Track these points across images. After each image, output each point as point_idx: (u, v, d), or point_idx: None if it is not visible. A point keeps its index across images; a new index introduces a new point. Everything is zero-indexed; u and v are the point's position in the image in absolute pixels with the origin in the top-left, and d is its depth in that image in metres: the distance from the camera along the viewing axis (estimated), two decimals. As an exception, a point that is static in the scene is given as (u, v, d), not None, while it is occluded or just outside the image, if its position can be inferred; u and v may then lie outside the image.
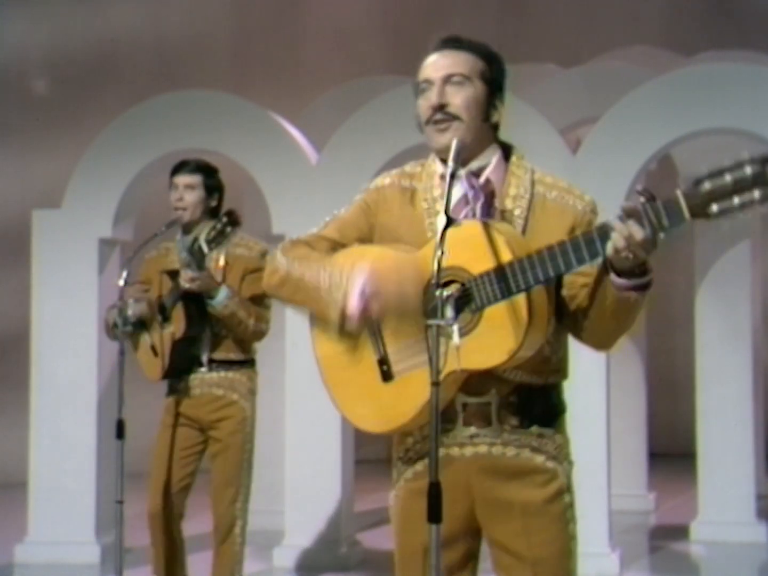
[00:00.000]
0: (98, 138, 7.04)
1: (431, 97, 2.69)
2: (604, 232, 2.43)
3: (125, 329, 4.89)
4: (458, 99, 2.68)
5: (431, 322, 2.42)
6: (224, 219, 4.66)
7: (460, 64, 2.70)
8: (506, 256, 2.52)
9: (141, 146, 6.88)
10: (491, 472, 2.67)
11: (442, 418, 2.62)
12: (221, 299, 4.79)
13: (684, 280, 7.81)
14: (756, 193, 2.24)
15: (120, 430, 4.80)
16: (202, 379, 4.94)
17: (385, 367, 2.66)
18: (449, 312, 2.52)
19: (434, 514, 2.39)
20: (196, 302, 4.82)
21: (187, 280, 4.74)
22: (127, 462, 4.83)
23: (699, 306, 7.25)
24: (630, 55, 9.00)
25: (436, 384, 2.38)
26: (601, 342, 2.71)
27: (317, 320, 2.76)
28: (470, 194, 2.68)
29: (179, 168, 5.03)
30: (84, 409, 6.75)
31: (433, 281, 2.41)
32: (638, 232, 2.36)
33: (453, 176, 2.54)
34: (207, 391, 4.94)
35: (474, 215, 2.66)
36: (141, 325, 4.93)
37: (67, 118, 10.59)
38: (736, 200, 2.26)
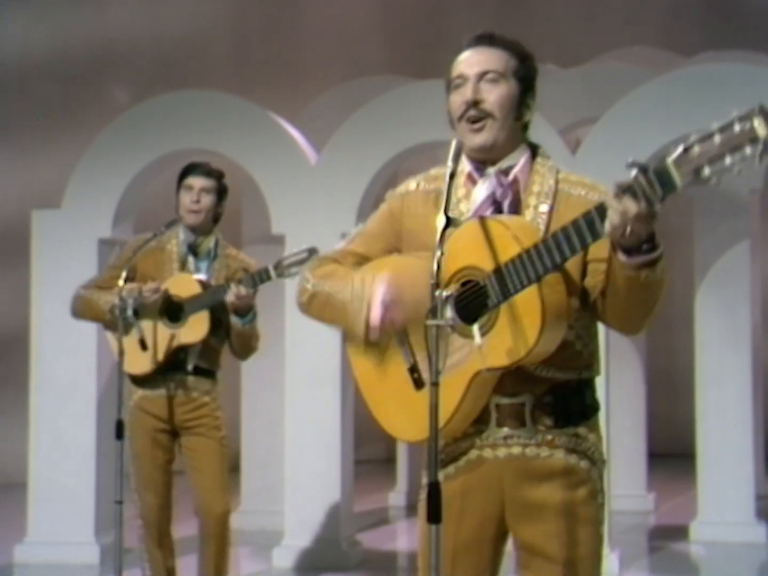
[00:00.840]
0: (98, 138, 7.04)
1: (465, 93, 2.67)
2: (603, 211, 2.41)
3: (125, 315, 4.84)
4: (493, 96, 2.67)
5: (430, 322, 2.41)
6: (305, 254, 4.62)
7: (494, 61, 2.68)
8: (515, 250, 2.51)
9: (141, 146, 6.87)
10: (524, 475, 2.65)
11: (475, 418, 2.63)
12: (249, 319, 4.82)
13: (684, 280, 7.80)
14: (747, 150, 2.21)
15: (119, 431, 4.78)
16: (180, 380, 4.92)
17: (415, 375, 2.65)
18: (449, 312, 2.52)
19: (434, 515, 2.38)
20: (222, 314, 4.82)
21: (237, 296, 4.69)
22: (126, 462, 4.82)
23: (699, 306, 7.25)
24: (629, 56, 9.01)
25: (435, 384, 2.37)
26: (626, 324, 2.66)
27: (347, 333, 2.78)
28: (498, 192, 2.67)
29: (193, 170, 4.97)
30: (83, 409, 6.75)
31: (432, 281, 2.40)
32: (632, 207, 2.34)
33: (452, 176, 2.53)
34: (181, 393, 4.92)
35: (501, 213, 2.65)
36: (135, 314, 4.87)
37: (67, 118, 10.59)
38: (728, 160, 2.23)
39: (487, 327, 2.54)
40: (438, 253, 2.40)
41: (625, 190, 2.36)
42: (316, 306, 2.79)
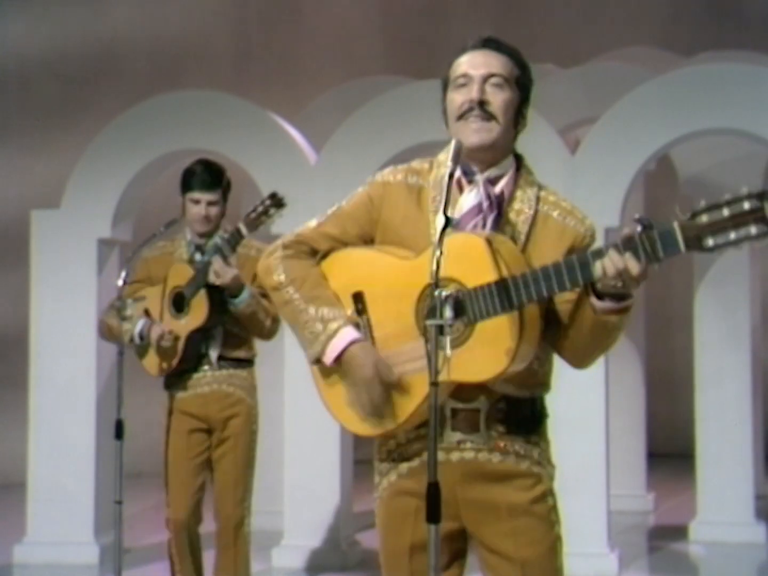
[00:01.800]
0: (98, 138, 7.04)
1: (471, 92, 2.66)
2: (600, 257, 2.44)
3: (141, 344, 4.85)
4: (498, 100, 2.67)
5: (430, 322, 2.41)
6: (268, 201, 4.54)
7: (500, 66, 2.69)
8: (502, 273, 2.52)
9: (140, 146, 6.87)
10: (477, 476, 2.68)
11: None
12: (244, 298, 4.75)
13: (683, 280, 7.80)
14: (753, 229, 2.25)
15: (119, 430, 4.78)
16: (212, 376, 4.89)
17: None
18: (448, 312, 2.52)
19: (433, 515, 2.38)
20: (219, 293, 4.77)
21: (216, 271, 4.65)
22: (126, 462, 4.81)
23: (698, 306, 7.24)
24: (629, 55, 9.00)
25: (435, 384, 2.37)
26: (579, 360, 2.73)
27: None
28: (485, 204, 2.67)
29: (197, 184, 4.88)
30: (83, 409, 6.75)
31: (432, 282, 2.40)
32: (635, 267, 2.38)
33: (452, 176, 2.53)
34: (216, 389, 4.88)
35: (484, 226, 2.65)
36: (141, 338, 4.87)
37: (67, 118, 10.59)
38: (732, 235, 2.27)
39: (459, 341, 2.55)
40: (438, 253, 2.40)
41: (627, 245, 2.39)
42: (277, 299, 2.79)
